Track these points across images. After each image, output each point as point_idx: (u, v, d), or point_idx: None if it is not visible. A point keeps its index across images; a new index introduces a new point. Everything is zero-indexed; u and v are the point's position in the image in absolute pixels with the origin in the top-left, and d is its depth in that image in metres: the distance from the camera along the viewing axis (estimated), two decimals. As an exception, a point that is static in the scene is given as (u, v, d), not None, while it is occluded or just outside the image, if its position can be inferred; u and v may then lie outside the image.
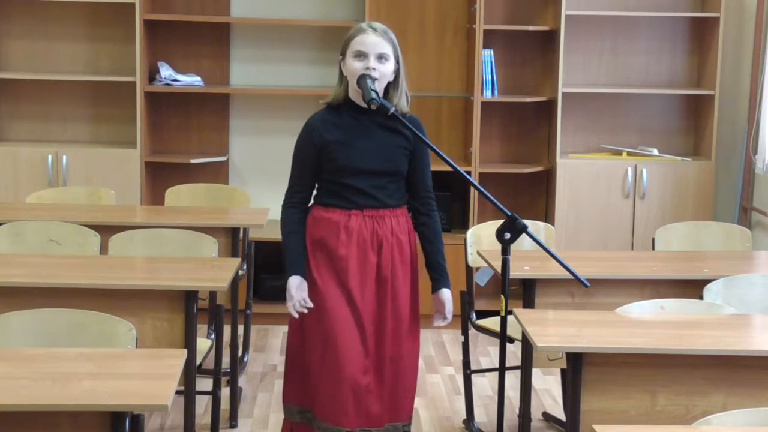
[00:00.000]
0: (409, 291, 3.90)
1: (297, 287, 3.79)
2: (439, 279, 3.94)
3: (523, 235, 3.57)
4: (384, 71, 3.77)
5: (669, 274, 4.50)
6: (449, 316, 3.94)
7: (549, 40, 6.81)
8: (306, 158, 3.86)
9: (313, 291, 3.82)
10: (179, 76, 6.75)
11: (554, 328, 3.68)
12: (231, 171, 7.04)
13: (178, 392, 3.12)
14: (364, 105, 3.78)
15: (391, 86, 3.83)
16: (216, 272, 4.26)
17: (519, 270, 4.31)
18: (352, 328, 3.79)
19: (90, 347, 3.31)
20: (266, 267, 6.60)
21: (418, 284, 3.94)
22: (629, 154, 6.80)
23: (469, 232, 5.13)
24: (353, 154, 3.80)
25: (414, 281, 3.92)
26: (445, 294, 3.93)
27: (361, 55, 3.77)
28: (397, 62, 3.83)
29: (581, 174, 6.69)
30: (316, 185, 3.92)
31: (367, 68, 3.75)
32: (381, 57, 3.77)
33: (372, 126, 3.83)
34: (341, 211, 3.82)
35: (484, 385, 5.58)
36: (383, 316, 3.84)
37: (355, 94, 3.83)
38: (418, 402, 5.31)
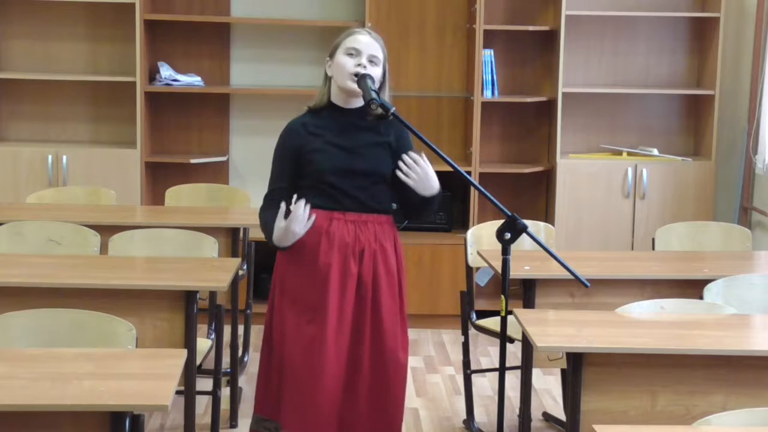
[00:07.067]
0: (395, 308, 3.78)
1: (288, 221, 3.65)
2: None
3: (523, 235, 3.57)
4: (373, 74, 3.72)
5: (669, 274, 4.50)
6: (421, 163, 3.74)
7: (549, 40, 6.81)
8: (286, 161, 3.78)
9: (291, 307, 3.75)
10: (179, 76, 6.75)
11: (554, 328, 3.68)
12: (231, 171, 7.03)
13: (178, 392, 3.12)
14: (347, 107, 3.76)
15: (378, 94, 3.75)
16: (216, 272, 4.25)
17: (519, 270, 4.30)
18: (331, 349, 3.69)
19: (90, 347, 3.30)
20: (266, 267, 6.58)
21: (404, 299, 3.83)
22: (629, 154, 6.80)
23: (469, 232, 5.13)
24: (333, 154, 3.73)
25: (400, 296, 3.81)
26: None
27: (354, 53, 3.73)
28: (384, 75, 3.77)
29: (581, 174, 6.69)
30: (296, 192, 3.81)
31: (359, 65, 3.70)
32: (372, 60, 3.73)
33: (352, 127, 3.77)
34: (323, 212, 3.72)
35: (484, 385, 5.58)
36: (361, 336, 3.74)
37: (338, 96, 3.78)
38: (418, 402, 5.32)
